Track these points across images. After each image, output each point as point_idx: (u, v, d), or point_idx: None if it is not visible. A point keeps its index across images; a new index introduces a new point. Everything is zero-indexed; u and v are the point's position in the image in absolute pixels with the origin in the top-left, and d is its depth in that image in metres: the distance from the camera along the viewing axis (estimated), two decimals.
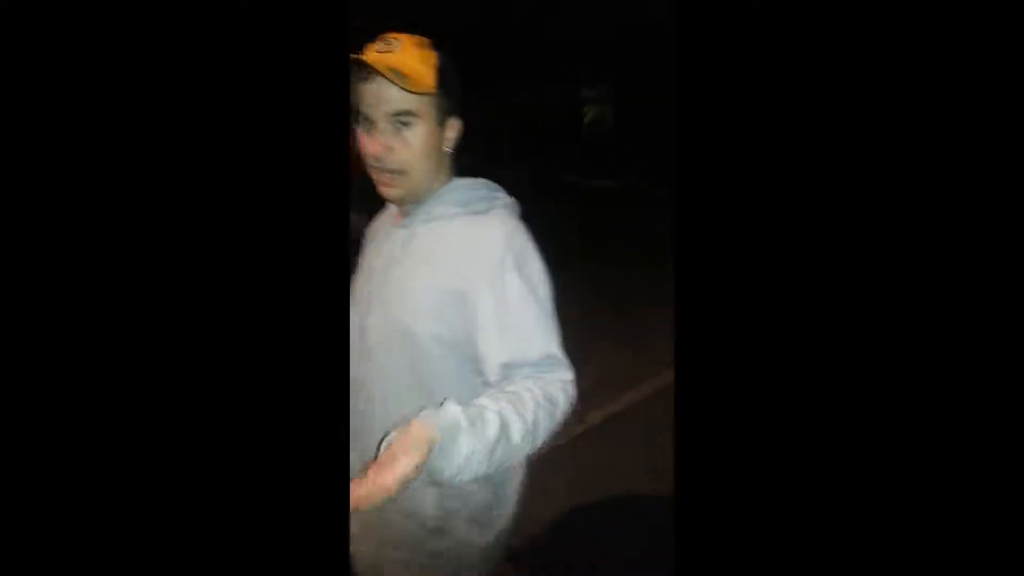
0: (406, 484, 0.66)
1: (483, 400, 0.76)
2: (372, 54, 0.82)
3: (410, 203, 0.91)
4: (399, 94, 0.81)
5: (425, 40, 0.86)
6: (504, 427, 0.73)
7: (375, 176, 0.88)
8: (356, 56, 0.80)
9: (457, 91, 0.88)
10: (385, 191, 0.89)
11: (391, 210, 0.99)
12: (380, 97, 0.82)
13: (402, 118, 0.83)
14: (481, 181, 0.94)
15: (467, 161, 0.97)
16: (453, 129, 0.90)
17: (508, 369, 0.81)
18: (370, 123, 0.84)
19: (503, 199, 0.93)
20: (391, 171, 0.86)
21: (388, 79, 0.79)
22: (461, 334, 0.84)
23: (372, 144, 0.84)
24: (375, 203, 1.00)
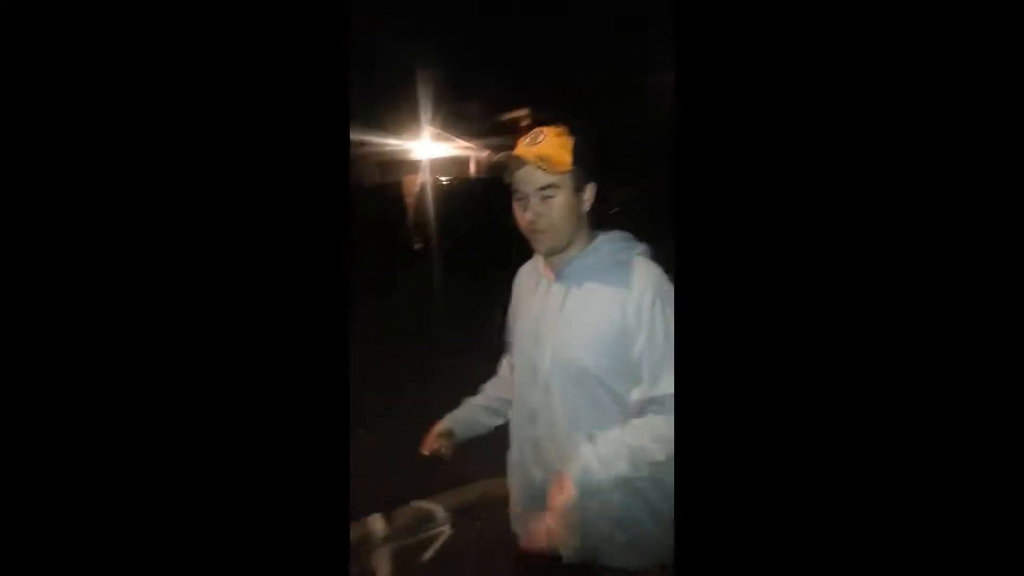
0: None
1: (621, 435, 1.02)
2: (522, 147, 1.06)
3: (558, 256, 1.12)
4: (543, 174, 1.04)
5: (564, 129, 1.09)
6: (633, 458, 1.00)
7: (528, 236, 1.10)
8: (511, 153, 1.05)
9: (590, 165, 1.10)
10: (538, 247, 1.11)
11: (537, 264, 1.20)
12: (529, 177, 1.05)
13: (547, 192, 1.05)
14: (620, 233, 1.15)
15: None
16: (589, 193, 1.11)
17: (643, 403, 1.04)
18: (523, 196, 1.07)
19: (640, 247, 1.13)
20: (542, 231, 1.07)
21: (536, 165, 1.03)
22: (620, 366, 1.05)
23: (525, 212, 1.07)
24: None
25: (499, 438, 1.31)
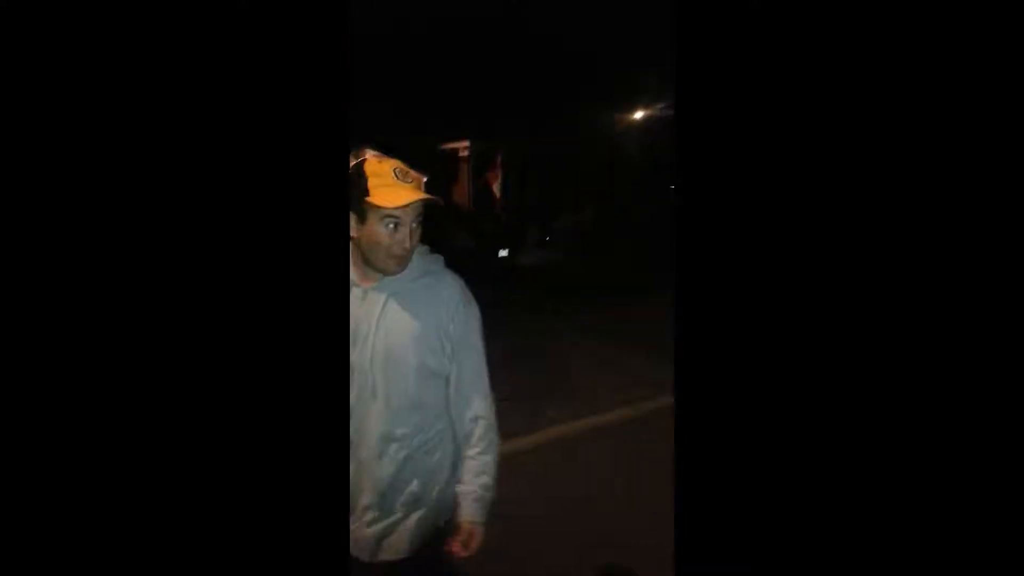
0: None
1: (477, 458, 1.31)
2: (412, 190, 1.17)
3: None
4: (421, 205, 1.19)
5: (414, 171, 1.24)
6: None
7: (391, 257, 1.20)
8: (414, 199, 1.16)
9: None
10: (396, 266, 1.22)
11: (353, 274, 1.29)
12: (415, 208, 1.18)
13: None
14: (427, 248, 1.31)
15: None
16: None
17: (461, 388, 1.30)
18: (400, 224, 1.18)
19: (442, 260, 1.34)
20: (406, 253, 1.20)
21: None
22: (437, 363, 1.26)
23: (405, 240, 1.19)
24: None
25: None
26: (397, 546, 1.28)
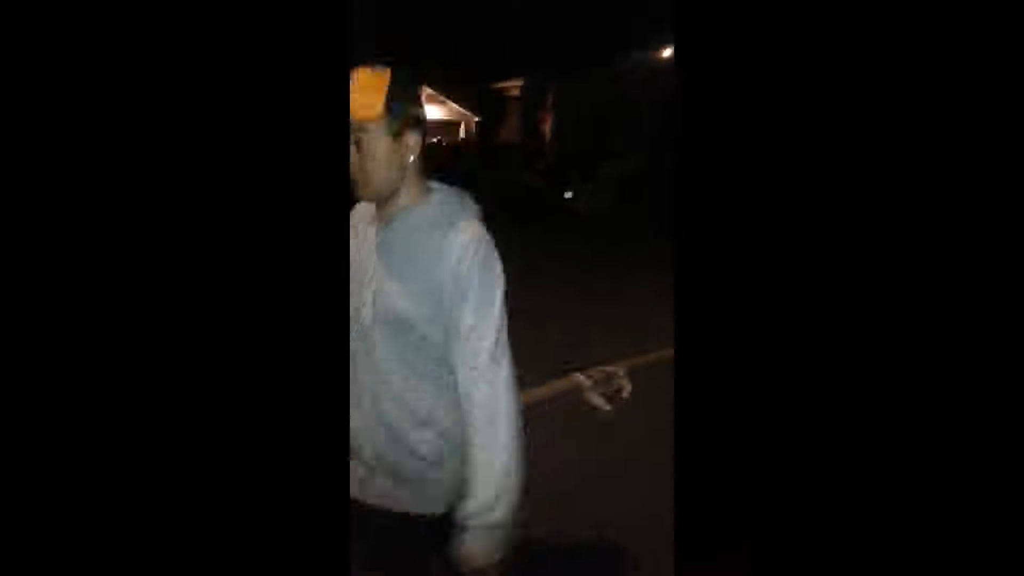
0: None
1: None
2: (360, 97, 1.01)
3: (390, 203, 1.10)
4: (390, 118, 1.02)
5: (382, 70, 1.03)
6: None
7: (358, 189, 1.07)
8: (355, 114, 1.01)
9: (411, 111, 1.05)
10: (357, 194, 1.08)
11: (369, 208, 1.16)
12: (369, 121, 1.02)
13: (355, 135, 1.02)
14: (454, 190, 1.13)
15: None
16: (412, 142, 1.06)
17: (465, 363, 1.06)
18: (356, 142, 1.03)
19: (473, 208, 1.12)
20: (354, 178, 1.05)
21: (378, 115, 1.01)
22: (438, 317, 1.06)
23: (354, 160, 1.04)
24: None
25: None
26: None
